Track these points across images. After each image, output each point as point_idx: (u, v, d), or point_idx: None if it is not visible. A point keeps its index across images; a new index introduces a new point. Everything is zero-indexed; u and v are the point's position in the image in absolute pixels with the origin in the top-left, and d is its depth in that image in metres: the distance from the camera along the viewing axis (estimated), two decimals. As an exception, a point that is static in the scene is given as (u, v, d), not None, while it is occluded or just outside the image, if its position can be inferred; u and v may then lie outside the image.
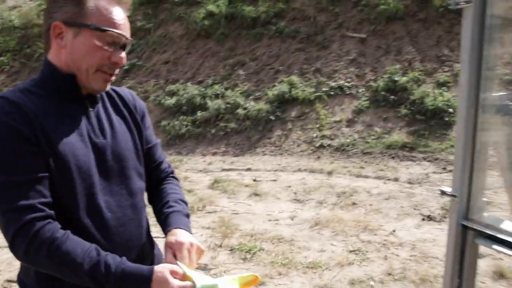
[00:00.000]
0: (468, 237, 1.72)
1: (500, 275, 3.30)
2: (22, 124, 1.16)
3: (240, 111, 7.97)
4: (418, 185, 5.42)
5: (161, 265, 1.23)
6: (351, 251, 3.83)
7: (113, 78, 1.32)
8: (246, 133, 7.70)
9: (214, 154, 7.29)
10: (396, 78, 7.78)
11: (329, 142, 7.22)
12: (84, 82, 1.28)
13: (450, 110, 6.89)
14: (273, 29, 9.43)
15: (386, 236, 4.11)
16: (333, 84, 8.23)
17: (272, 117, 7.84)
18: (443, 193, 1.74)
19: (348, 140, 7.15)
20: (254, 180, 5.88)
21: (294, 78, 8.36)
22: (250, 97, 8.32)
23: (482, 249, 3.60)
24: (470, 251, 1.75)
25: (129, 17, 1.32)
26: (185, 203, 1.58)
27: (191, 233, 1.43)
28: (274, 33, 9.41)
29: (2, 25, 12.53)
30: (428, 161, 6.19)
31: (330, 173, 6.05)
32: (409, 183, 5.50)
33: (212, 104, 8.16)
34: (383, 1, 8.92)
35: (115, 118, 1.41)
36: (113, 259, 1.18)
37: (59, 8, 1.24)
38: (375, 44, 8.78)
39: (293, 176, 6.04)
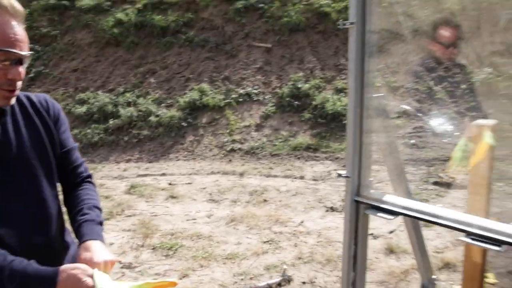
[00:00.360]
0: (360, 210, 2.16)
1: (390, 251, 3.87)
2: None
3: (152, 118, 8.13)
4: (321, 181, 5.98)
5: (69, 265, 1.30)
6: (265, 242, 4.22)
7: (16, 93, 1.33)
8: (159, 139, 7.88)
9: (128, 161, 7.38)
10: (299, 85, 8.39)
11: (239, 146, 7.63)
12: None
13: (347, 119, 7.59)
14: (183, 38, 9.69)
15: (295, 227, 4.56)
16: (241, 91, 8.67)
17: (184, 124, 8.09)
18: (339, 175, 2.16)
19: (257, 144, 7.60)
20: (170, 184, 6.11)
21: (205, 86, 8.68)
22: (162, 105, 8.51)
23: (376, 231, 4.19)
24: (362, 221, 2.20)
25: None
26: (100, 209, 1.60)
27: (103, 241, 1.48)
28: (184, 42, 9.66)
29: None
30: (330, 160, 6.81)
31: (241, 174, 6.45)
32: (314, 180, 6.05)
33: (124, 112, 8.22)
34: (286, 14, 9.55)
35: (24, 129, 1.42)
36: (20, 263, 1.23)
37: None
38: (280, 54, 9.36)
39: (207, 178, 6.35)
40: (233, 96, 8.56)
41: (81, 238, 1.44)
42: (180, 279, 3.62)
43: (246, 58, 9.34)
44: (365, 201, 2.13)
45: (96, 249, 1.39)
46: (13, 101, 1.35)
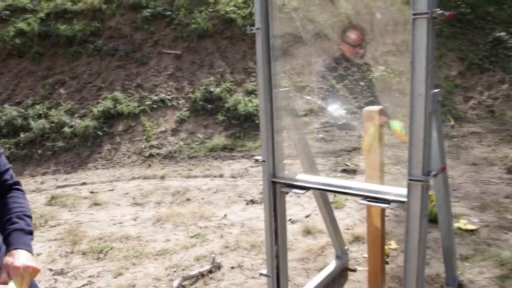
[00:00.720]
0: (276, 189, 2.56)
1: (307, 232, 4.32)
2: None
3: (66, 129, 8.03)
4: (240, 178, 6.36)
5: None
6: (192, 237, 4.50)
7: None
8: (75, 150, 7.81)
9: (45, 173, 7.26)
10: (211, 89, 8.73)
11: (157, 151, 7.80)
12: None
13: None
14: (91, 48, 9.62)
15: (219, 220, 4.88)
16: (155, 97, 8.82)
17: (100, 133, 8.09)
18: (256, 161, 2.54)
19: (175, 148, 7.82)
20: (92, 192, 6.16)
21: (118, 94, 8.72)
22: (75, 115, 8.42)
23: (294, 216, 4.63)
24: (279, 199, 2.60)
25: None
26: (30, 217, 1.68)
27: (31, 250, 1.57)
28: (92, 51, 9.59)
29: None
30: (246, 158, 7.21)
31: (162, 177, 6.65)
32: (233, 177, 6.42)
33: (36, 124, 8.03)
34: (194, 21, 9.85)
35: None
36: None
37: None
38: (190, 60, 9.63)
39: (128, 184, 6.48)
40: (147, 103, 8.70)
41: (8, 246, 1.54)
42: (115, 277, 3.80)
43: (157, 65, 9.51)
44: (280, 181, 2.54)
45: (18, 256, 1.49)
46: None
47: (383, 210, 2.82)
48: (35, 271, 1.50)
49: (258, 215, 4.86)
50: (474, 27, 11.18)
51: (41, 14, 10.18)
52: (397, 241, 3.96)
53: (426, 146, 1.91)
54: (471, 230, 4.13)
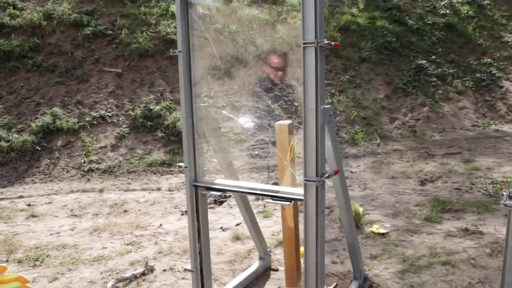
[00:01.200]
0: (198, 192, 2.92)
1: (236, 238, 4.67)
2: None
3: (3, 143, 8.01)
4: (176, 191, 6.65)
5: None
6: (127, 244, 4.74)
7: None
8: (12, 164, 7.80)
9: (-21, 187, 7.22)
10: (151, 107, 9.01)
11: (96, 166, 7.94)
12: None
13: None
14: (30, 63, 9.64)
15: (154, 229, 5.14)
16: (95, 114, 8.98)
17: (38, 148, 8.13)
18: (180, 167, 2.89)
19: (114, 163, 8.00)
20: (29, 205, 6.23)
21: (57, 110, 8.80)
22: (13, 130, 8.41)
23: (225, 225, 4.97)
24: (201, 201, 2.96)
25: None
26: None
27: None
28: (31, 67, 9.62)
29: None
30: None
31: (101, 190, 6.82)
32: (170, 190, 6.70)
33: (-30, 138, 7.97)
34: (135, 41, 10.13)
35: None
36: None
37: None
38: (130, 78, 9.87)
39: (67, 197, 6.60)
40: (87, 119, 8.84)
41: None
42: (50, 282, 3.98)
43: (98, 83, 9.67)
44: (201, 184, 2.91)
45: None
46: None
47: (295, 210, 3.23)
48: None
49: (186, 225, 5.17)
50: (399, 54, 12.16)
51: (-23, 28, 10.11)
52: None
53: (319, 152, 2.34)
54: (382, 234, 4.64)
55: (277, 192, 2.61)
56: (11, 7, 10.42)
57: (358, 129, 9.68)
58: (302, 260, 3.47)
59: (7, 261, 4.49)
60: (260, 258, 3.92)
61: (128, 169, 7.84)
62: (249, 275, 3.68)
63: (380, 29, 12.43)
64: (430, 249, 4.19)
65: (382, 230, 4.71)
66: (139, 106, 9.16)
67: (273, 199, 2.61)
